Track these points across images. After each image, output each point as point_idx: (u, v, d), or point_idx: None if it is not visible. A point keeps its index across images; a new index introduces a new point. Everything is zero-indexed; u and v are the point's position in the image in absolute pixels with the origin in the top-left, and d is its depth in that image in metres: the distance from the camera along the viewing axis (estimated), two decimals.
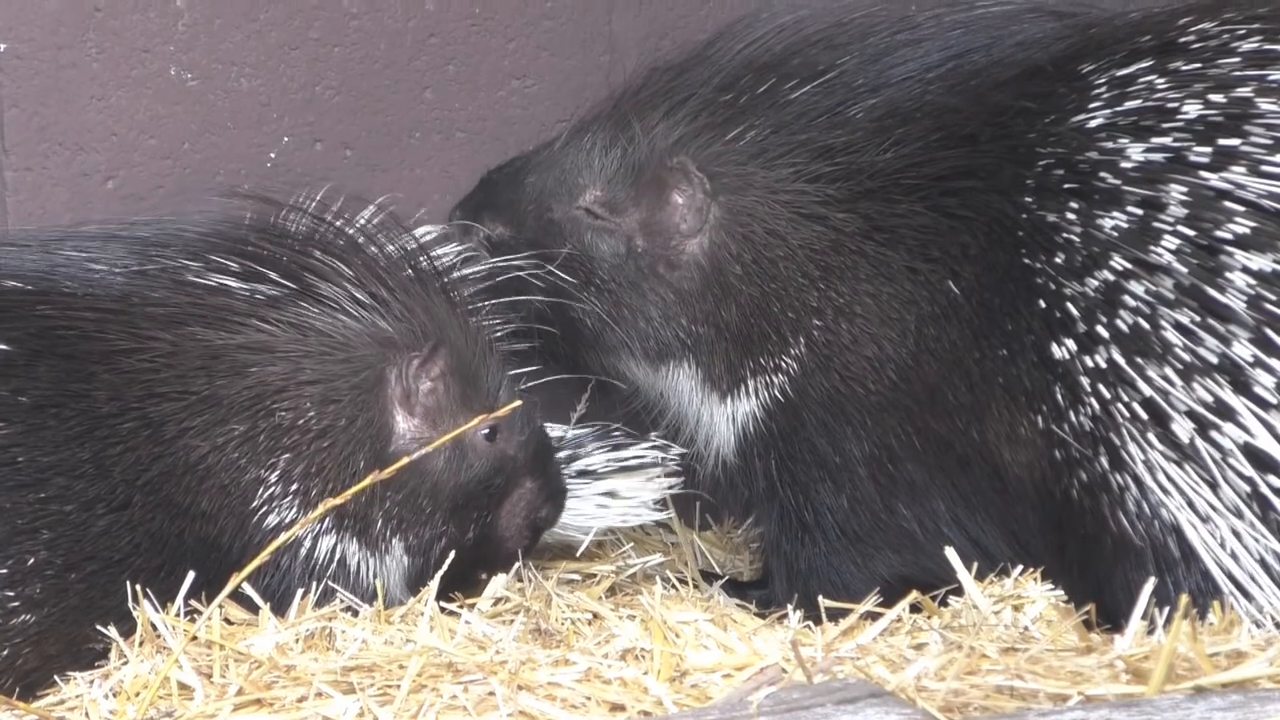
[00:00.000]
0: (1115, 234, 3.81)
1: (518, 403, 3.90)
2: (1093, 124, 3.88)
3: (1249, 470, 3.70)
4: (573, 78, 4.52)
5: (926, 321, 4.05)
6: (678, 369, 4.21)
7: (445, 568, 3.90)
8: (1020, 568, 4.03)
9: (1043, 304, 3.88)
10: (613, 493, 4.22)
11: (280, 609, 3.80)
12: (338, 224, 3.96)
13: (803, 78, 4.17)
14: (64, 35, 4.16)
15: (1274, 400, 3.69)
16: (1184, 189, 3.77)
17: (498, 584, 3.99)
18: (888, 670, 3.47)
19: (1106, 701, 3.26)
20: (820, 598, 4.00)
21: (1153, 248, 3.77)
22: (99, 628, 3.70)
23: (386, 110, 4.41)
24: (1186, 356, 3.74)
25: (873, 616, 3.83)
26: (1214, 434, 3.72)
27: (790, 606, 4.02)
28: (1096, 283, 3.82)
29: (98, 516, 3.70)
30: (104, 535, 3.70)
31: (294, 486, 3.83)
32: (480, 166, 4.37)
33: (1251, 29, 3.86)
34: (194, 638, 3.65)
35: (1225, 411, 3.71)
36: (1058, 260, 3.87)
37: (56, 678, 3.68)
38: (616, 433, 4.29)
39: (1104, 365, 3.80)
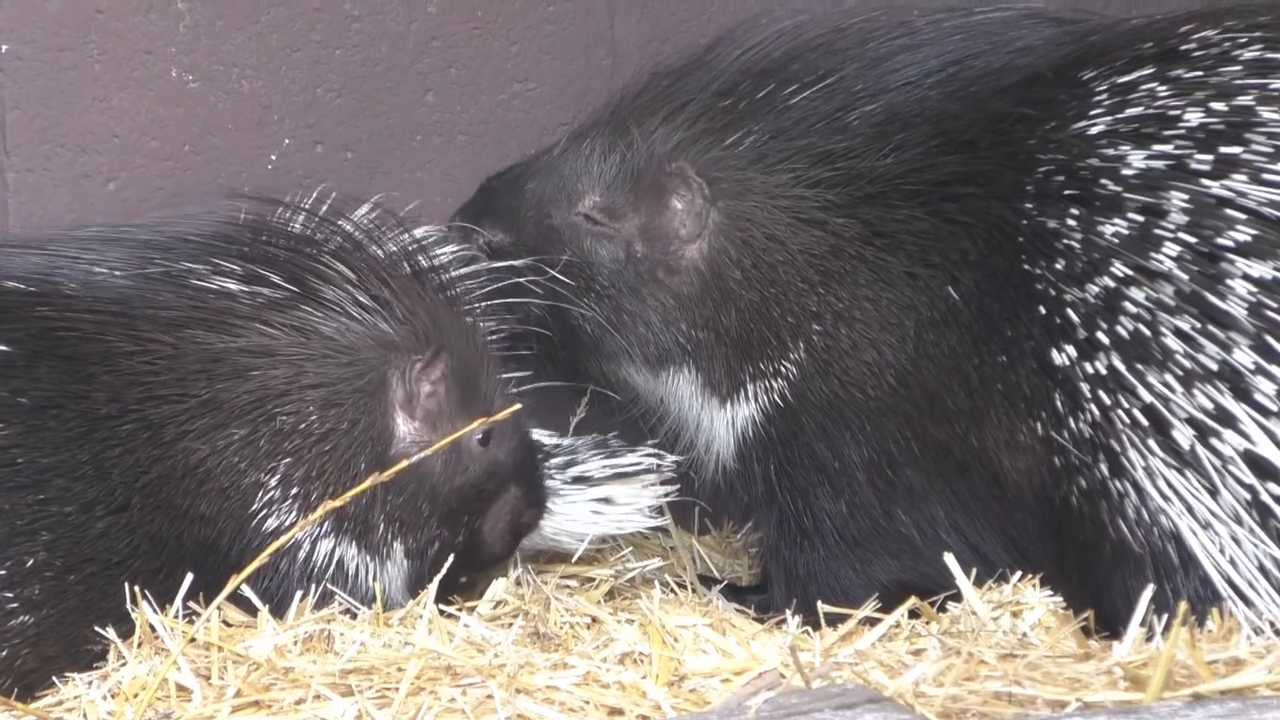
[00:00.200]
0: (1116, 240, 3.81)
1: (516, 406, 3.91)
2: (1094, 131, 3.88)
3: (1249, 477, 3.70)
4: (575, 81, 4.52)
5: (926, 327, 4.05)
6: (678, 374, 4.21)
7: (444, 571, 3.90)
8: (1019, 574, 4.02)
9: (1043, 310, 3.88)
10: (608, 499, 4.22)
11: (279, 612, 3.80)
12: (340, 226, 3.97)
13: (802, 83, 4.17)
14: (66, 37, 4.16)
15: (1274, 407, 3.69)
16: (1185, 196, 3.77)
17: (497, 588, 3.99)
18: (886, 676, 3.47)
19: (1105, 708, 3.26)
20: (819, 603, 3.99)
21: (1153, 254, 3.78)
22: (97, 629, 3.70)
23: (388, 113, 4.41)
24: (1187, 363, 3.74)
25: (871, 622, 3.82)
26: (1214, 441, 3.72)
27: (789, 611, 4.02)
28: (1097, 289, 3.82)
29: (97, 518, 3.70)
30: (103, 537, 3.70)
31: (294, 490, 3.83)
32: (481, 169, 4.37)
33: (1253, 37, 3.86)
34: (192, 639, 3.65)
35: (1226, 418, 3.71)
36: (1058, 266, 3.87)
37: (55, 679, 3.68)
38: (612, 441, 4.29)
39: (1104, 372, 3.81)
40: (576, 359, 4.25)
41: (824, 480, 4.13)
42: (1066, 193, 3.88)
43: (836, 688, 3.26)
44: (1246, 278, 3.72)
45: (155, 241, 3.91)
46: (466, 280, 4.09)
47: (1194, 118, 3.81)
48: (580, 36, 4.54)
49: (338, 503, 3.74)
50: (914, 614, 3.84)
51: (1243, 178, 3.75)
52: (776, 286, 4.13)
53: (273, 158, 4.33)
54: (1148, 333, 3.77)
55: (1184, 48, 3.91)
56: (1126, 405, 3.79)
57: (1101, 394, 3.81)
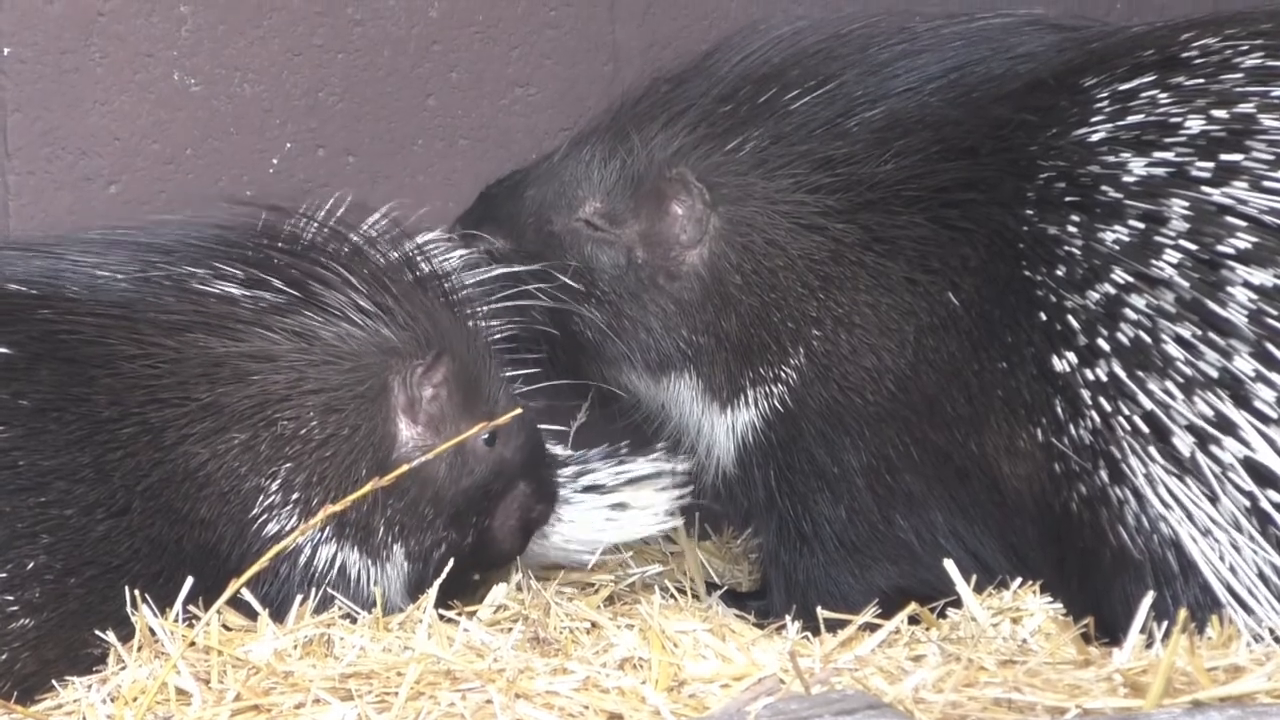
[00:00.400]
0: (1117, 247, 3.81)
1: (518, 410, 3.91)
2: (1095, 138, 3.89)
3: (1249, 485, 3.70)
4: (576, 86, 4.53)
5: (925, 333, 4.05)
6: (678, 380, 4.21)
7: (444, 575, 3.90)
8: (1019, 580, 4.02)
9: (1043, 317, 3.88)
10: (623, 505, 4.22)
11: (279, 617, 3.80)
12: (341, 231, 3.96)
13: (803, 89, 4.17)
14: (67, 40, 4.16)
15: (1274, 415, 3.69)
16: (1186, 203, 3.77)
17: (498, 592, 3.99)
18: (885, 682, 3.47)
19: (1104, 715, 3.26)
20: (818, 609, 3.99)
21: (1154, 261, 3.78)
22: (97, 633, 3.69)
23: (389, 117, 4.41)
24: (1187, 370, 3.74)
25: (871, 628, 3.82)
26: (1214, 448, 3.72)
27: (788, 617, 4.02)
28: (1097, 296, 3.82)
29: (97, 521, 3.70)
30: (103, 540, 3.70)
31: (295, 495, 3.83)
32: (482, 174, 4.37)
33: (1254, 45, 3.86)
34: (192, 643, 3.65)
35: (1226, 426, 3.71)
36: (1059, 273, 3.87)
37: (54, 682, 3.67)
38: (623, 449, 4.29)
39: (1104, 378, 3.81)
40: (578, 365, 4.25)
41: (823, 486, 4.13)
42: (1067, 199, 3.88)
43: (836, 693, 3.25)
44: (1247, 285, 3.72)
45: (157, 245, 3.91)
46: (469, 284, 4.09)
47: (1195, 125, 3.81)
48: (582, 41, 4.54)
49: (337, 507, 3.74)
50: (914, 620, 3.85)
51: (1243, 185, 3.75)
52: (777, 291, 4.13)
53: (274, 162, 4.33)
54: (1148, 339, 3.77)
55: (1185, 55, 3.91)
56: (1127, 412, 3.79)
57: (1102, 400, 3.81)
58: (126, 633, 3.71)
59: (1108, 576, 3.87)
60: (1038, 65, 4.08)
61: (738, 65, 4.23)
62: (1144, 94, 3.88)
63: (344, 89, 4.37)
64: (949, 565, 3.93)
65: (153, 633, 3.69)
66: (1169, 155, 3.81)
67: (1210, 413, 3.73)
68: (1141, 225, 3.80)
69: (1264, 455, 3.69)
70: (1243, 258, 3.73)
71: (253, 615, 3.77)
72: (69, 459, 3.68)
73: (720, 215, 4.15)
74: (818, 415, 4.13)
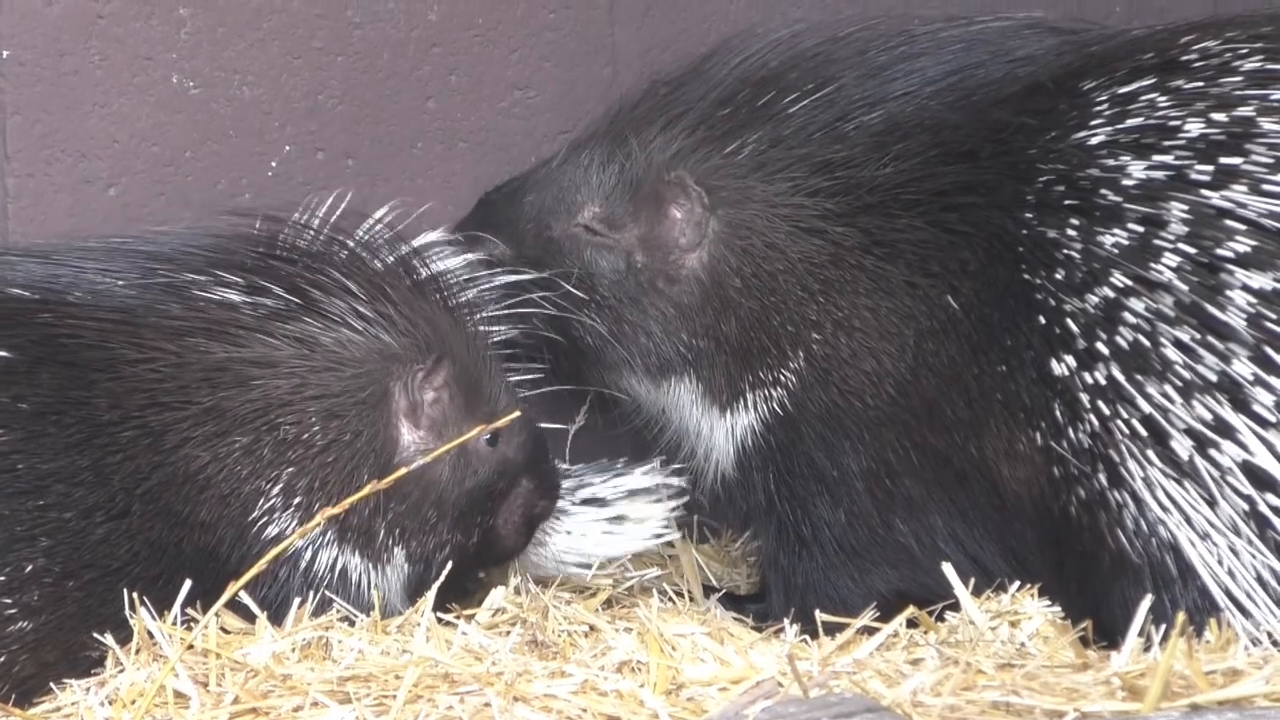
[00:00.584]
0: (1116, 251, 3.81)
1: (516, 414, 3.91)
2: (1094, 141, 3.89)
3: (1247, 488, 3.70)
4: (575, 89, 4.53)
5: (925, 336, 4.05)
6: (678, 384, 4.21)
7: (443, 578, 3.91)
8: (1017, 584, 4.03)
9: (1042, 320, 3.88)
10: (621, 517, 4.22)
11: (278, 620, 3.80)
12: (341, 237, 3.96)
13: (801, 92, 4.17)
14: (66, 42, 4.16)
15: (1273, 419, 3.69)
16: (1185, 207, 3.77)
17: (496, 595, 3.99)
18: (884, 685, 3.47)
19: (1102, 718, 3.26)
20: (817, 612, 4.00)
21: (1153, 265, 3.78)
22: (96, 635, 3.69)
23: (389, 120, 4.41)
24: (1186, 374, 3.74)
25: (869, 631, 3.83)
26: (1213, 452, 3.72)
27: (787, 620, 4.02)
28: (1097, 299, 3.82)
29: (96, 524, 3.70)
30: (102, 543, 3.70)
31: (296, 500, 3.83)
32: (482, 176, 4.38)
33: (1254, 48, 3.86)
34: (190, 646, 3.65)
35: (1224, 429, 3.71)
36: (1058, 276, 3.87)
37: (53, 685, 3.68)
38: (619, 462, 4.29)
39: (1103, 382, 3.81)
40: (579, 370, 4.25)
41: (823, 489, 4.13)
42: (1067, 203, 3.88)
43: (834, 697, 3.25)
44: (1246, 289, 3.73)
45: (159, 252, 3.91)
46: (469, 289, 4.09)
47: (1194, 128, 3.81)
48: (581, 44, 4.54)
49: (336, 510, 3.74)
50: (912, 623, 3.85)
51: (1243, 188, 3.75)
52: (776, 295, 4.13)
53: (273, 164, 4.33)
54: (1147, 343, 3.77)
55: (1184, 58, 3.91)
56: (1126, 416, 3.79)
57: (1101, 404, 3.81)
58: (125, 636, 3.71)
59: (1106, 580, 3.87)
60: (1037, 69, 4.08)
61: (736, 68, 4.23)
62: (1143, 97, 3.88)
63: (343, 92, 4.37)
64: (947, 569, 3.93)
65: (151, 635, 3.69)
66: (1168, 158, 3.81)
67: (1209, 416, 3.73)
68: (1141, 229, 3.80)
69: (1262, 459, 3.69)
70: (1242, 261, 3.73)
71: (251, 618, 3.77)
72: (68, 462, 3.69)
73: (719, 218, 4.15)
74: (817, 419, 4.13)
